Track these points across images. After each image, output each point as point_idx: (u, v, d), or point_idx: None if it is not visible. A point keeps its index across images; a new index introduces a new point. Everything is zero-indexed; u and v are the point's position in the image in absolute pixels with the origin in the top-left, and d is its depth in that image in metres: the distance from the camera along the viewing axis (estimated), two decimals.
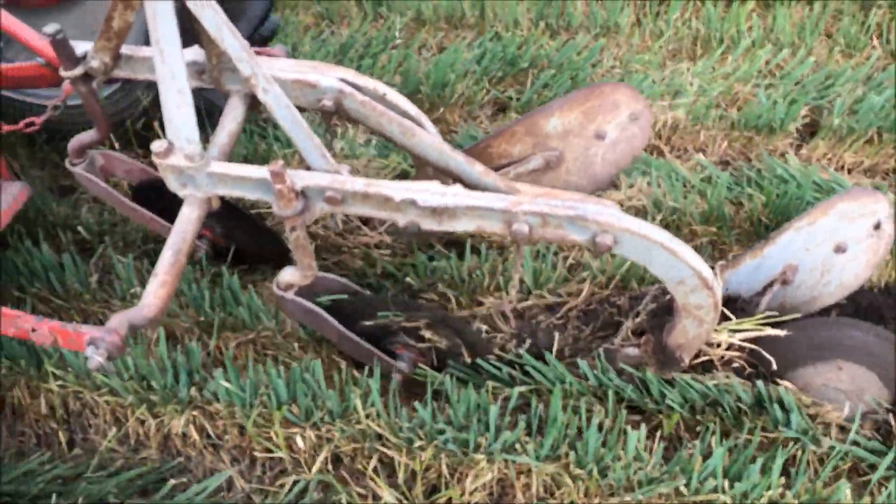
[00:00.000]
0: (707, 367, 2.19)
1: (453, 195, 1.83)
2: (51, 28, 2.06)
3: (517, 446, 2.12)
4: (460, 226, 1.87)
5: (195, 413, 2.33)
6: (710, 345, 2.09)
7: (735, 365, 2.15)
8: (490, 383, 2.28)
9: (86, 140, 2.36)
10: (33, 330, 1.76)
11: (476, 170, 1.97)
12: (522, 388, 2.25)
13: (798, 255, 2.17)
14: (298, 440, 2.24)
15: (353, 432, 2.21)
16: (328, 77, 2.11)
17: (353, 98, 2.08)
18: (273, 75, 1.96)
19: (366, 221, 2.54)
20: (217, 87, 2.21)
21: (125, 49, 2.19)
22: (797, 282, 2.20)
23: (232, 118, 2.17)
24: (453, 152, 2.00)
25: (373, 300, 2.26)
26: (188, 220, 1.99)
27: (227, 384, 2.25)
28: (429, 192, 1.84)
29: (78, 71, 2.15)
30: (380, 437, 2.21)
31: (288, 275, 2.09)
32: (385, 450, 2.21)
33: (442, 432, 2.15)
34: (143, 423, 2.40)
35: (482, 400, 2.20)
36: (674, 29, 3.71)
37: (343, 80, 2.11)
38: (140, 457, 2.40)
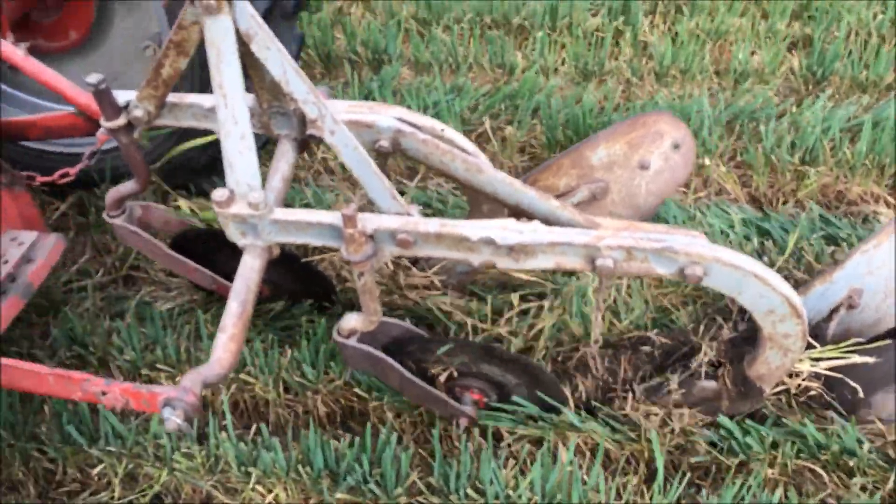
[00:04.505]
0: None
1: (532, 231, 1.77)
2: (93, 78, 1.99)
3: None
4: (538, 263, 1.81)
5: None
6: (789, 374, 2.04)
7: (812, 393, 2.11)
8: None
9: (124, 191, 2.28)
10: (103, 393, 1.65)
11: (552, 204, 1.91)
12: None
13: (862, 278, 2.15)
14: None
15: None
16: (385, 116, 2.06)
17: (414, 137, 2.03)
18: None
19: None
20: (266, 131, 2.15)
21: (170, 97, 2.12)
22: (862, 305, 2.18)
23: (284, 162, 2.10)
24: (524, 187, 1.95)
25: (438, 342, 2.17)
26: (251, 269, 1.91)
27: None
28: (507, 230, 1.78)
29: (121, 121, 2.08)
30: None
31: (353, 321, 2.00)
32: None
33: None
34: None
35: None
36: None
37: (400, 119, 2.06)
38: None
